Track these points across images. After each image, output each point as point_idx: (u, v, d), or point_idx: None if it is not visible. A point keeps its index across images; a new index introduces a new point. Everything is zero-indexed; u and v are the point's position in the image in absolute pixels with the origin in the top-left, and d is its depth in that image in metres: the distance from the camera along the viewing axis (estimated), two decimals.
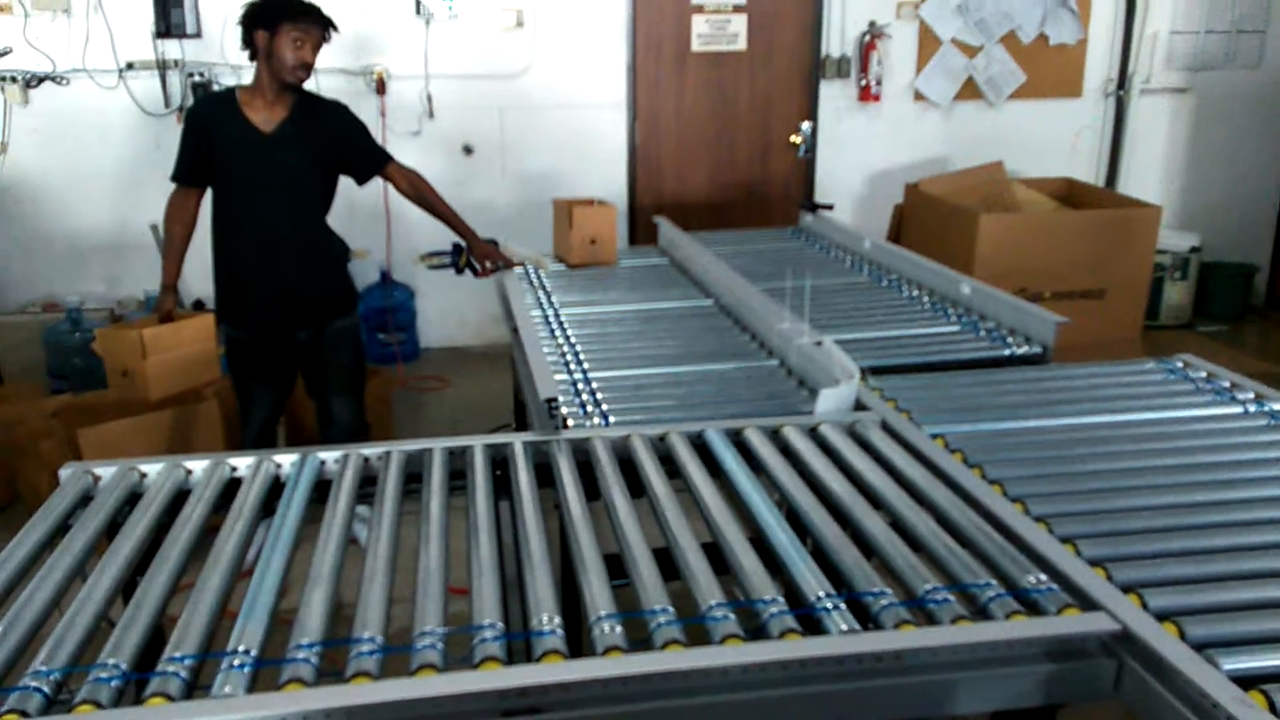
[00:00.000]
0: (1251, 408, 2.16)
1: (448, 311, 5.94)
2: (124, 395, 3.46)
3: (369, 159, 3.45)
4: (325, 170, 3.37)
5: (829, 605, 1.42)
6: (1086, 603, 1.43)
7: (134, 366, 3.35)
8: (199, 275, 3.96)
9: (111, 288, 5.56)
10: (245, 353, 3.43)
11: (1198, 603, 1.42)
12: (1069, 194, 5.64)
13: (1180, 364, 2.44)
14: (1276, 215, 6.55)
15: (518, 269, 3.49)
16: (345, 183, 3.50)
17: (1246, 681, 1.24)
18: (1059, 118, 6.16)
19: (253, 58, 3.23)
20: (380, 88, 5.46)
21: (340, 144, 3.36)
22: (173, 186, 3.37)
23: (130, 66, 5.28)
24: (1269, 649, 1.31)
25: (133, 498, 1.82)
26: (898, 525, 1.70)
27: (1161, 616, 1.38)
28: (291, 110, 3.26)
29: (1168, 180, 6.42)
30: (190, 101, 5.27)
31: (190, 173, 3.31)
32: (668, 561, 1.59)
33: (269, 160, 3.24)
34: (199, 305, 5.44)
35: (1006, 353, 2.56)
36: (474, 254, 3.50)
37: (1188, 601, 1.42)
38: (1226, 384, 2.29)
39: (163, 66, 5.28)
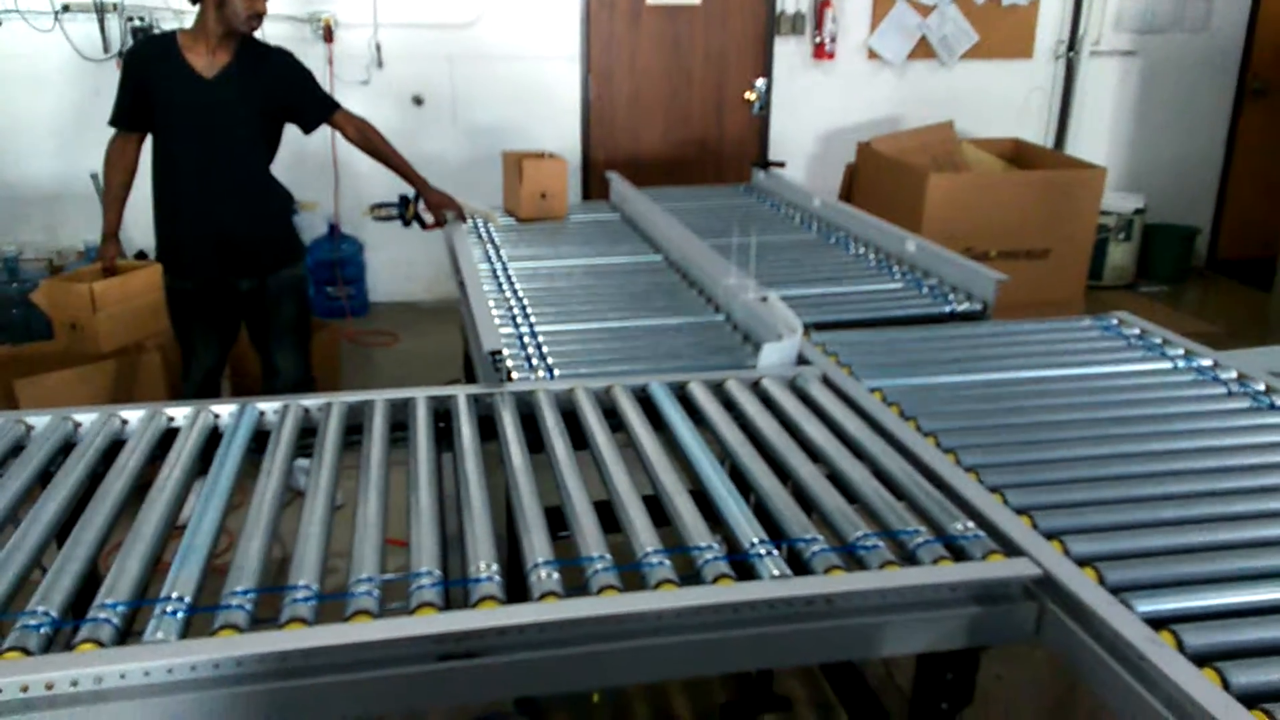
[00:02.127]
0: (1180, 363, 2.22)
1: (398, 265, 5.89)
2: (72, 348, 3.40)
3: (315, 107, 3.39)
4: (268, 118, 3.30)
5: (762, 551, 1.45)
6: (1011, 549, 1.47)
7: (83, 320, 3.29)
8: (140, 225, 3.88)
9: (50, 237, 5.43)
10: (187, 303, 3.37)
11: (1117, 549, 1.47)
12: (1017, 155, 5.71)
13: (1115, 321, 2.49)
14: (1218, 179, 6.69)
15: (466, 223, 3.46)
16: (292, 132, 3.44)
17: (1159, 622, 1.29)
18: (1010, 78, 6.22)
19: (195, 0, 3.14)
20: (328, 35, 5.35)
21: (284, 92, 3.30)
22: (112, 133, 3.30)
23: (66, 9, 5.12)
24: (1181, 591, 1.36)
25: (67, 447, 1.80)
26: (834, 476, 1.73)
27: (1082, 562, 1.43)
28: (234, 56, 3.18)
29: (1115, 142, 6.52)
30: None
31: (129, 117, 3.23)
32: (609, 513, 1.61)
33: (209, 105, 3.17)
34: (141, 256, 5.34)
35: (948, 309, 2.60)
36: (428, 203, 3.47)
37: (1107, 548, 1.47)
38: (1158, 340, 2.34)
39: (101, 9, 5.12)
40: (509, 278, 2.84)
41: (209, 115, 3.17)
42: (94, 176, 5.30)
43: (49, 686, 1.17)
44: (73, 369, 3.56)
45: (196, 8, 3.14)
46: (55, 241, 5.43)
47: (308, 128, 3.43)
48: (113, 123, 3.27)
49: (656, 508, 1.62)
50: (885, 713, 2.08)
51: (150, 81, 3.16)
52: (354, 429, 1.90)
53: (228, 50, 3.17)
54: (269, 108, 3.28)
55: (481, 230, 3.41)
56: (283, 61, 3.33)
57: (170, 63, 3.14)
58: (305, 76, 3.37)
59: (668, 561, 1.43)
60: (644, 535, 1.50)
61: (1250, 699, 1.16)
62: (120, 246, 3.42)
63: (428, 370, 4.78)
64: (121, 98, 3.23)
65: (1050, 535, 1.50)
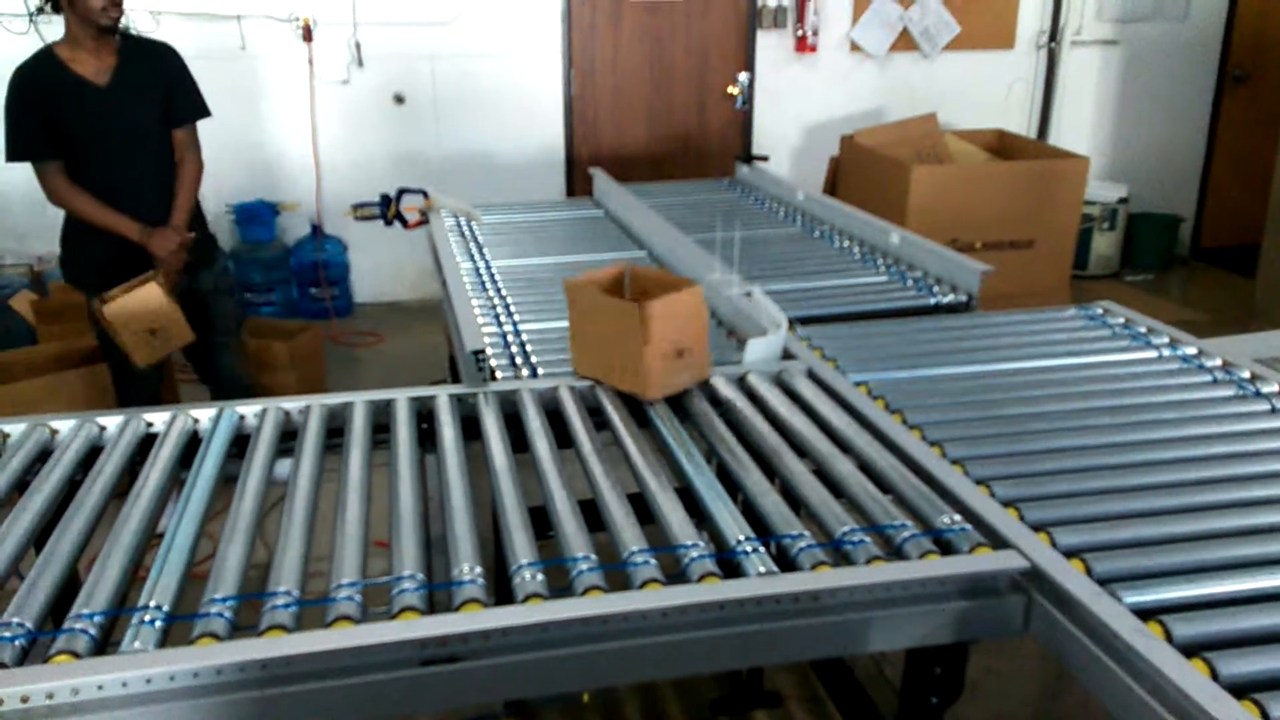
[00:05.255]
0: (1165, 352, 2.22)
1: (382, 265, 5.85)
2: (158, 356, 3.13)
3: (186, 105, 3.24)
4: (164, 111, 3.20)
5: (748, 549, 1.44)
6: (998, 542, 1.46)
7: (164, 320, 3.03)
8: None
9: (28, 244, 5.37)
10: None
11: (1104, 540, 1.46)
12: (1000, 146, 5.71)
13: (1100, 310, 2.49)
14: (1201, 167, 6.70)
15: (448, 220, 3.44)
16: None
17: (1147, 613, 1.29)
18: (992, 69, 6.22)
19: (56, 9, 3.05)
20: (307, 35, 5.30)
21: (167, 83, 3.19)
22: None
23: (41, 10, 5.03)
24: (1168, 581, 1.35)
25: (44, 455, 1.77)
26: (820, 471, 1.72)
27: (1069, 554, 1.42)
28: (119, 56, 3.08)
29: (1097, 132, 6.53)
30: None
31: (50, 146, 3.05)
32: (594, 512, 1.59)
33: (113, 114, 3.07)
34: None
35: (932, 301, 2.59)
36: (152, 244, 3.11)
37: (1095, 539, 1.47)
38: (1143, 329, 2.34)
39: (36, 16, 5.05)
40: (492, 276, 2.82)
41: (114, 124, 3.07)
42: None
43: (24, 700, 1.15)
44: (45, 377, 3.54)
45: (60, 17, 3.03)
46: (31, 248, 5.37)
47: (172, 124, 3.25)
48: (36, 157, 3.06)
49: (642, 506, 1.61)
50: (875, 707, 2.07)
51: (52, 105, 3.01)
52: (335, 431, 1.88)
53: (110, 51, 3.07)
54: (163, 105, 3.18)
55: (464, 229, 3.38)
56: (169, 57, 3.23)
57: (61, 80, 3.01)
58: (188, 74, 3.26)
59: (653, 560, 1.41)
60: (629, 534, 1.49)
61: (1239, 689, 1.15)
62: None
63: (413, 370, 4.76)
64: (31, 129, 3.02)
65: (1037, 527, 1.49)
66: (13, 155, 3.08)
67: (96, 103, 3.05)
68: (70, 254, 3.26)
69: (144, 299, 3.00)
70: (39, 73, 3.05)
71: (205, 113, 3.32)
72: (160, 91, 3.16)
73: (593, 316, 1.99)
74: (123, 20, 3.08)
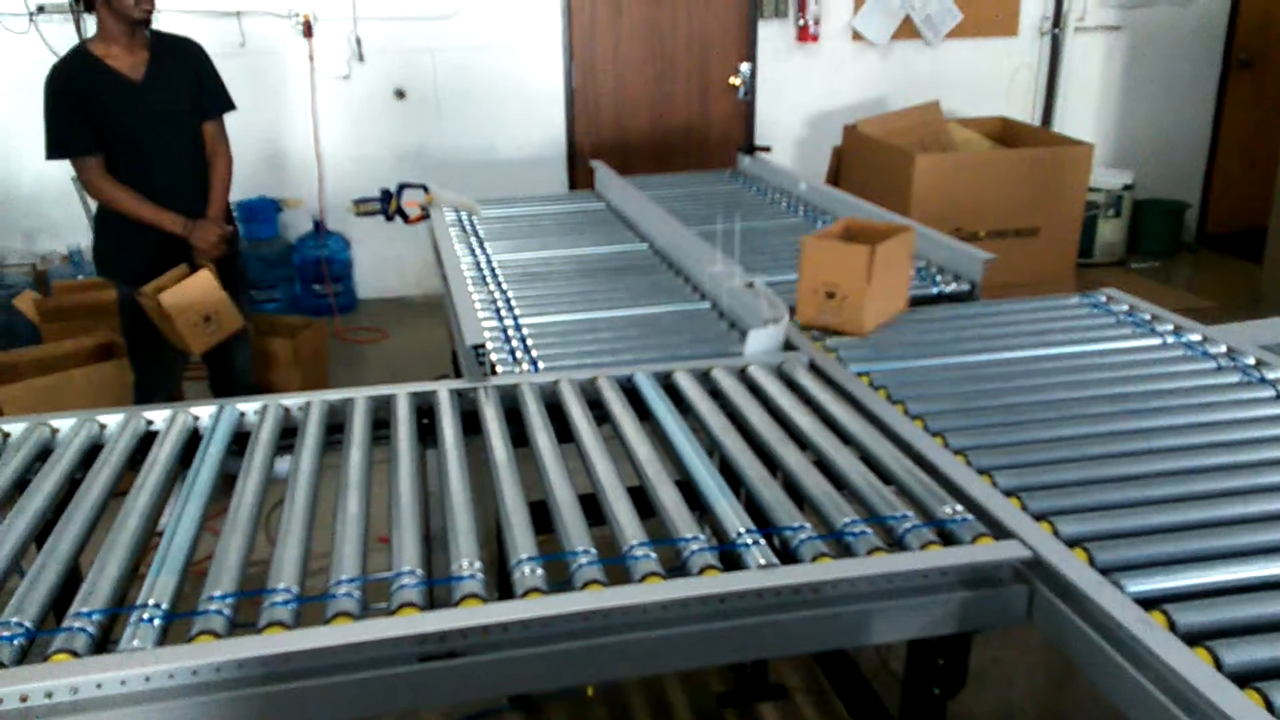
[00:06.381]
0: (1170, 339, 2.21)
1: (386, 261, 5.85)
2: (212, 342, 3.20)
3: (213, 99, 3.31)
4: (195, 108, 3.26)
5: (749, 541, 1.43)
6: (1000, 532, 1.46)
7: (217, 307, 3.14)
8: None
9: (31, 243, 5.38)
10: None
11: (1106, 529, 1.45)
12: (1004, 133, 5.68)
13: (1104, 298, 2.48)
14: (1206, 153, 6.66)
15: (449, 215, 3.43)
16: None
17: (1150, 602, 1.28)
18: (995, 57, 6.18)
19: (89, 8, 3.08)
20: (307, 30, 5.29)
21: (195, 78, 3.25)
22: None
23: (42, 9, 5.06)
24: (1172, 570, 1.34)
25: (44, 454, 1.77)
26: (821, 462, 1.71)
27: (1072, 543, 1.41)
28: (151, 51, 3.13)
29: (1102, 118, 6.49)
30: None
31: (90, 142, 3.08)
32: (595, 506, 1.59)
33: (150, 108, 3.12)
34: None
35: (935, 290, 2.58)
36: (194, 236, 3.19)
37: (1097, 528, 1.45)
38: (1147, 316, 2.33)
39: (76, 10, 5.06)
40: (493, 270, 2.81)
41: (152, 117, 3.12)
42: (74, 179, 5.26)
43: (24, 699, 1.15)
44: (52, 375, 3.55)
45: (94, 14, 3.07)
46: (36, 247, 5.38)
47: (202, 118, 3.31)
48: (77, 153, 3.09)
49: (643, 500, 1.60)
50: (879, 699, 2.06)
51: (90, 101, 3.05)
52: (336, 428, 1.88)
53: (142, 46, 3.12)
54: (193, 94, 3.24)
55: (465, 223, 3.38)
56: (193, 50, 3.29)
57: (97, 76, 3.05)
58: (212, 66, 3.32)
59: (653, 554, 1.41)
60: (629, 528, 1.48)
61: (1243, 678, 1.14)
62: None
63: (417, 366, 4.75)
64: (72, 125, 3.05)
65: (1040, 517, 1.48)
66: (54, 152, 3.12)
67: (133, 97, 3.09)
68: (109, 248, 3.30)
69: (199, 287, 3.07)
70: (76, 69, 3.09)
71: (232, 106, 3.38)
72: (191, 85, 3.22)
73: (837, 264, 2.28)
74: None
